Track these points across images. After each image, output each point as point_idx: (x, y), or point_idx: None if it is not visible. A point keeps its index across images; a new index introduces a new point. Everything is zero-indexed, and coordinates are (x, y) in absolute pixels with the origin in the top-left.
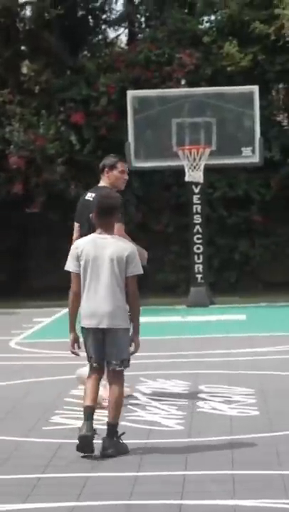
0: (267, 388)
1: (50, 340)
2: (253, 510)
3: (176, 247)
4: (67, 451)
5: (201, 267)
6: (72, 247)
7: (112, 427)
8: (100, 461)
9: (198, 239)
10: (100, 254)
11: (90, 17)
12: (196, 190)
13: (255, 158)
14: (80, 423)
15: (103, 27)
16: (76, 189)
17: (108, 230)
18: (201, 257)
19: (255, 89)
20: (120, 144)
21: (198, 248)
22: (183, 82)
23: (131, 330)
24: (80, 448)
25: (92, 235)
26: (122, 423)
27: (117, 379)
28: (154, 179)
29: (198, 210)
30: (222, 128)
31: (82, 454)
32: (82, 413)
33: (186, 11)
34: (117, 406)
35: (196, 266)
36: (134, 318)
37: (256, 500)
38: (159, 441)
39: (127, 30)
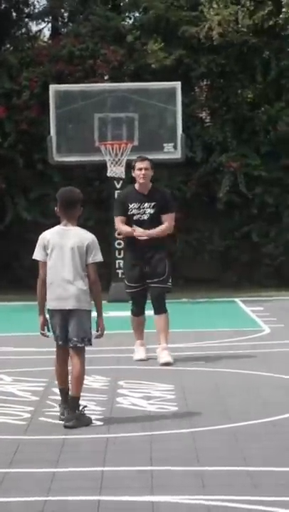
0: (186, 384)
1: None
2: (171, 506)
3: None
4: None
5: (121, 262)
6: (40, 237)
7: (74, 400)
8: (17, 457)
9: (118, 234)
10: (63, 243)
11: (12, 10)
12: (118, 186)
13: (177, 155)
14: None
15: (26, 21)
16: None
17: (71, 221)
18: (121, 252)
19: (177, 85)
20: (42, 139)
21: (118, 244)
22: (106, 77)
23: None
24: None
25: (57, 226)
26: (39, 418)
27: (77, 355)
28: (75, 174)
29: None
30: (144, 124)
31: None
32: None
33: (109, 6)
34: (79, 380)
35: (117, 261)
36: (96, 303)
37: (174, 496)
38: (78, 437)
39: (50, 25)
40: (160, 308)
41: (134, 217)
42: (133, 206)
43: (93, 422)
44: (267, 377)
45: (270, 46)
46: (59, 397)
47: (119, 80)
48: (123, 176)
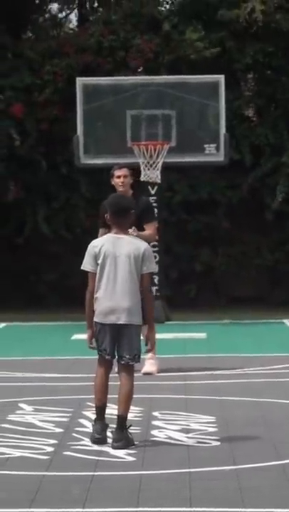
0: (229, 416)
1: None
2: None
3: None
4: (3, 485)
5: (156, 278)
6: (90, 246)
7: (123, 419)
8: (40, 496)
9: (153, 246)
10: (117, 252)
11: None
12: (153, 192)
13: (220, 157)
14: (12, 451)
15: (50, 6)
16: (16, 188)
17: (123, 229)
18: (156, 267)
19: (220, 78)
20: (67, 139)
21: (154, 257)
22: (140, 69)
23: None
24: (94, 443)
25: (108, 234)
26: (64, 452)
27: (128, 373)
28: (105, 178)
29: (155, 213)
30: (183, 122)
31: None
32: (15, 441)
33: None
34: (128, 399)
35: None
36: (148, 315)
37: None
38: (108, 474)
39: (76, 11)
40: None
41: None
42: None
43: (124, 457)
44: None
45: None
46: (86, 430)
47: (153, 72)
48: (158, 181)
